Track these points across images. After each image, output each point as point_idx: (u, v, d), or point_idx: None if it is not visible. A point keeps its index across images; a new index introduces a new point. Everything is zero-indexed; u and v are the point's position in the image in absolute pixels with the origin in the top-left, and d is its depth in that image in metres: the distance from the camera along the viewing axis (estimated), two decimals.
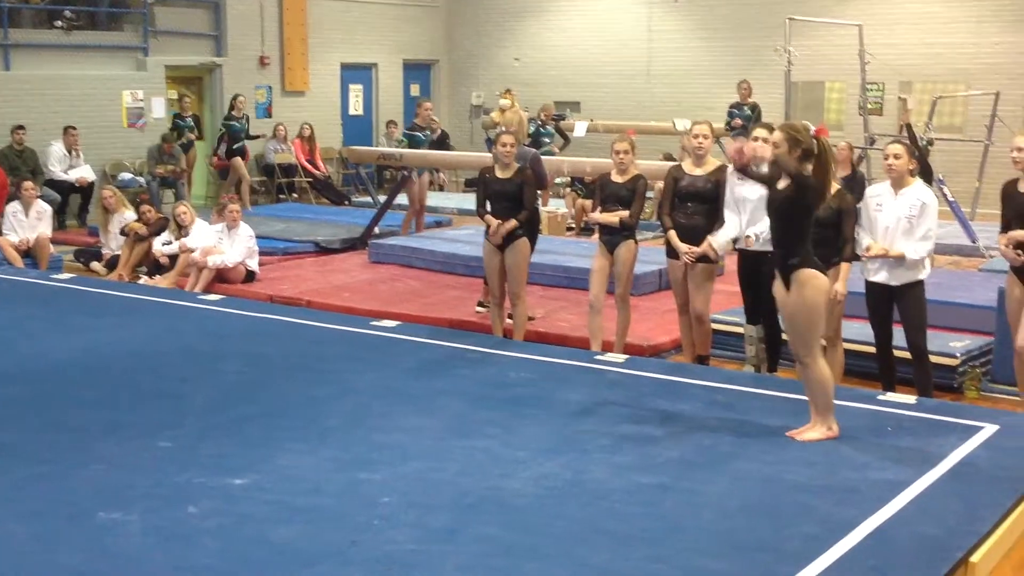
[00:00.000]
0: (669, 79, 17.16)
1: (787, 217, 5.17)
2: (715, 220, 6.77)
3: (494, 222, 7.38)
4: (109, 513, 4.40)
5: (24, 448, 5.22)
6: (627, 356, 6.96)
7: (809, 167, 5.12)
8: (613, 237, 7.14)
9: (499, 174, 7.52)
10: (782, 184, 5.18)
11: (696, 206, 6.82)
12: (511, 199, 7.43)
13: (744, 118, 14.29)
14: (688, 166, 6.97)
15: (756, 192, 6.56)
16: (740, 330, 7.14)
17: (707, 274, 6.85)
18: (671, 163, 9.04)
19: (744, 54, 16.49)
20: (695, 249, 6.74)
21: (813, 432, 5.31)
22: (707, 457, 5.11)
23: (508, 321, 7.71)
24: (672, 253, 6.93)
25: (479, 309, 8.50)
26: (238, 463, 4.96)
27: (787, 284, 5.19)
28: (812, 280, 5.14)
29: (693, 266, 6.80)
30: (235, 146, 15.39)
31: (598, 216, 7.18)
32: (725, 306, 7.82)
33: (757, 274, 6.59)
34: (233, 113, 15.34)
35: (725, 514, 4.46)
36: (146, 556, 4.06)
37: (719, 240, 6.71)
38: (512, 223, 7.35)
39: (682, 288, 6.95)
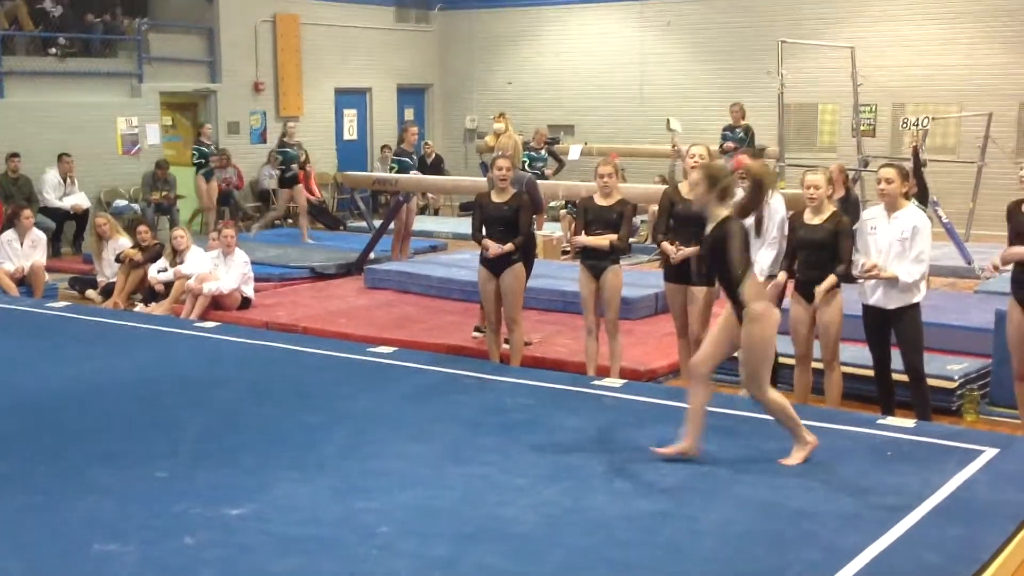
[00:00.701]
0: (662, 102, 17.20)
1: (721, 256, 5.13)
2: None
3: (493, 244, 7.35)
4: (105, 545, 4.37)
5: (18, 479, 5.18)
6: (625, 381, 6.94)
7: (724, 211, 5.09)
8: (599, 262, 7.12)
9: (495, 199, 7.52)
10: (709, 227, 5.18)
11: (692, 230, 6.80)
12: (507, 224, 7.42)
13: (737, 140, 14.33)
14: (684, 189, 6.97)
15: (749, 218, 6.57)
16: (737, 354, 7.11)
17: (706, 298, 6.85)
18: (665, 186, 9.06)
19: (737, 77, 16.56)
20: (685, 250, 6.70)
21: (797, 455, 5.29)
22: (706, 483, 5.08)
23: (505, 346, 7.69)
24: (670, 277, 6.93)
25: (476, 334, 8.48)
26: (235, 493, 4.92)
27: (739, 317, 5.16)
28: (763, 316, 5.12)
29: (691, 288, 6.79)
30: (288, 175, 14.47)
31: (586, 240, 7.15)
32: None
33: None
34: (286, 140, 14.65)
35: (726, 541, 4.44)
36: None
37: None
38: (508, 247, 7.34)
39: (681, 312, 6.93)
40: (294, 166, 14.34)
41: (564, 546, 4.37)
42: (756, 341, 5.12)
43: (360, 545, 4.38)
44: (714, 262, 5.20)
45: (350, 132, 18.80)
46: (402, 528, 4.54)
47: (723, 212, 5.10)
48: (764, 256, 6.57)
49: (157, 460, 5.39)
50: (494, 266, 7.43)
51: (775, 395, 5.30)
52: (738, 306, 5.13)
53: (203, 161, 14.87)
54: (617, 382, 6.87)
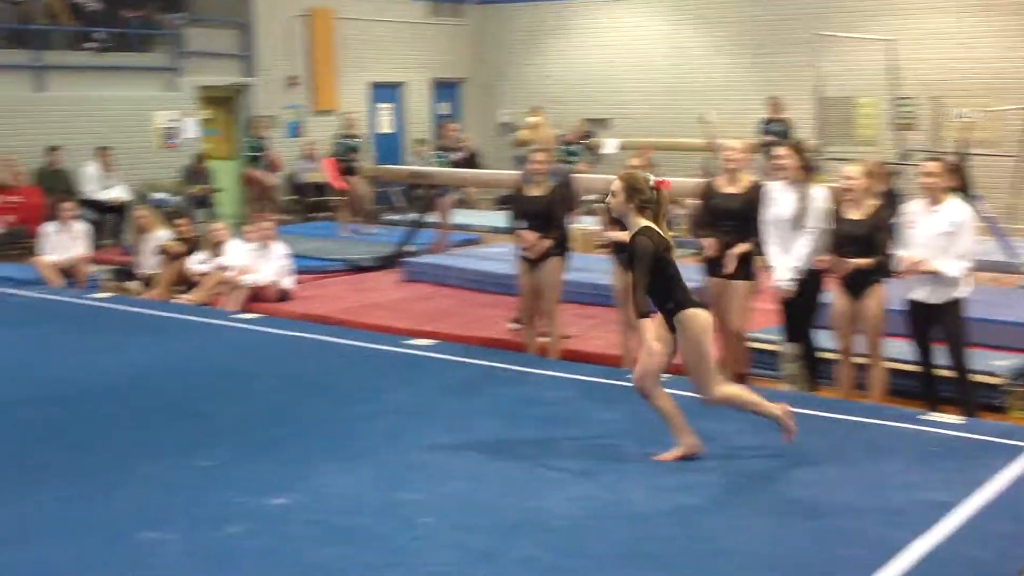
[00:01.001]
0: (699, 95, 17.07)
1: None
2: (750, 238, 6.72)
3: (531, 236, 7.34)
4: (149, 533, 4.40)
5: (61, 468, 5.24)
6: (663, 374, 6.88)
7: (642, 222, 5.04)
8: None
9: (530, 192, 7.51)
10: (629, 236, 5.15)
11: (730, 224, 6.77)
12: (542, 217, 7.41)
13: (775, 134, 14.21)
14: (721, 183, 6.93)
15: (788, 211, 6.53)
16: (778, 348, 7.06)
17: (746, 292, 6.80)
18: (703, 180, 9.01)
19: (774, 70, 16.43)
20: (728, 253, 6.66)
21: (785, 425, 5.25)
22: (749, 478, 5.04)
23: (543, 339, 7.66)
24: (710, 270, 6.89)
25: (512, 326, 8.46)
26: (276, 483, 4.94)
27: (672, 328, 5.14)
28: (693, 320, 5.07)
29: (730, 283, 6.75)
30: (349, 164, 14.52)
31: (615, 235, 7.14)
32: (763, 324, 7.74)
33: (796, 291, 6.56)
34: (345, 132, 14.71)
35: (769, 536, 4.40)
36: None
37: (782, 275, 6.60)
38: (547, 242, 7.32)
39: (720, 306, 6.89)
40: (353, 156, 14.34)
41: (605, 540, 4.35)
42: (693, 344, 5.09)
43: (402, 536, 4.38)
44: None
45: (385, 126, 18.84)
46: (443, 519, 4.54)
47: (641, 222, 5.03)
48: (801, 247, 6.52)
49: (198, 449, 5.43)
50: (532, 259, 7.43)
51: (726, 389, 5.26)
52: (668, 317, 5.12)
53: (257, 154, 14.96)
54: None
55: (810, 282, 6.58)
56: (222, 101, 16.58)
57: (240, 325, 8.48)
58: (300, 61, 17.17)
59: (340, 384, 6.79)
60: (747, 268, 6.77)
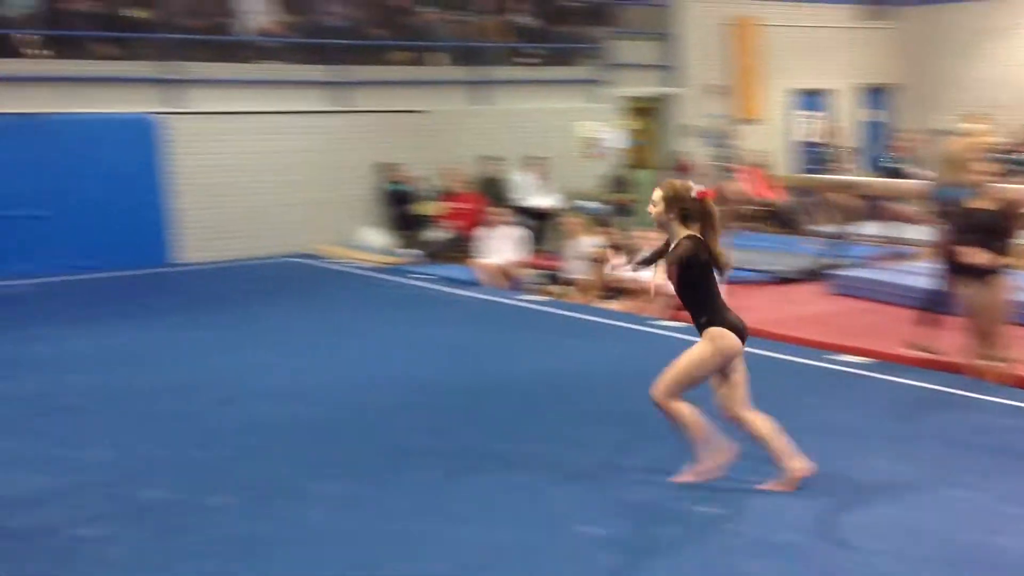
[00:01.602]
0: None
1: (680, 282, 4.87)
2: None
3: (981, 255, 6.79)
4: (585, 527, 4.54)
5: (500, 455, 5.56)
6: None
7: (686, 231, 4.83)
8: None
9: (973, 204, 6.98)
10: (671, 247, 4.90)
11: None
12: (983, 231, 6.83)
13: None
14: None
15: None
16: None
17: None
18: None
19: None
20: None
21: (692, 472, 5.01)
22: None
23: (988, 363, 7.06)
24: None
25: (914, 350, 7.79)
26: (701, 490, 4.93)
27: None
28: (718, 338, 4.88)
29: None
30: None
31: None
32: None
33: None
34: (818, 139, 15.13)
35: None
36: (623, 571, 4.13)
37: None
38: (999, 259, 6.77)
39: None
40: (831, 166, 14.36)
41: None
42: (697, 354, 4.93)
43: (839, 557, 4.21)
44: (675, 284, 4.92)
45: (807, 134, 18.39)
46: (884, 544, 4.31)
47: (683, 232, 4.84)
48: None
49: (627, 450, 5.58)
50: (974, 276, 6.90)
51: (682, 407, 5.01)
52: (699, 329, 4.97)
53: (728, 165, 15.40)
54: None
55: None
56: (644, 111, 16.96)
57: (661, 332, 8.58)
58: (723, 70, 17.17)
59: (765, 398, 6.63)
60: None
